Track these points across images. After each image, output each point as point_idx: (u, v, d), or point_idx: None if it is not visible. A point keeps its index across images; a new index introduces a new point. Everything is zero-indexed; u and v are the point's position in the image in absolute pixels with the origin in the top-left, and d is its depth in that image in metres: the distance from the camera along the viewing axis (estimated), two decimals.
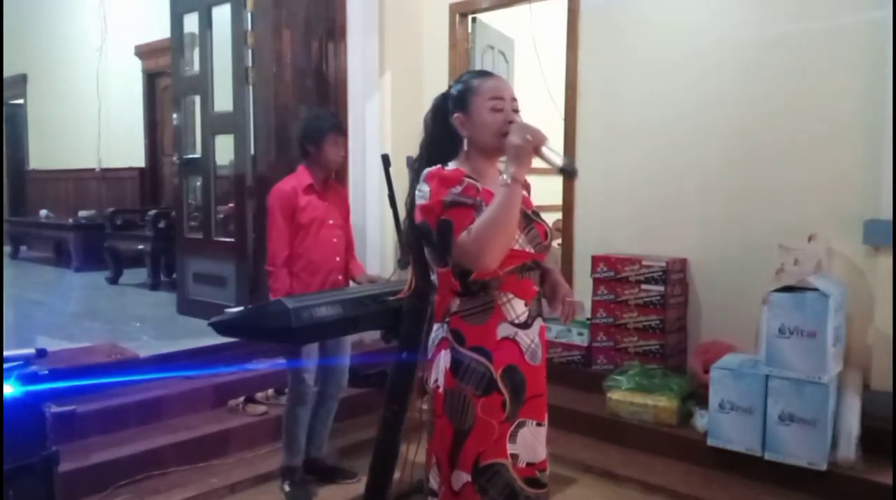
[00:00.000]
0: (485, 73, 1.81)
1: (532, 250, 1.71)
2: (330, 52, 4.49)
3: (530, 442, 1.74)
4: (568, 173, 1.64)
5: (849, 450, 2.88)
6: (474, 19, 4.93)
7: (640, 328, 3.76)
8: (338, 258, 3.01)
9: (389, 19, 4.67)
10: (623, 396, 3.49)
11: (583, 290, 4.10)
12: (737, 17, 3.65)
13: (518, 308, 1.70)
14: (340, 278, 3.00)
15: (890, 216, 3.04)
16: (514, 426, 1.71)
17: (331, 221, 2.99)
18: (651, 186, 3.96)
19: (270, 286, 2.90)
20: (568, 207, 4.34)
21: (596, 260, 3.93)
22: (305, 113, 3.20)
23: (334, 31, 4.48)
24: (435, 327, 1.76)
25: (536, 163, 1.63)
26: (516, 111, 1.73)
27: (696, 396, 3.43)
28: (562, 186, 4.33)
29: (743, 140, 3.62)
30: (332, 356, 3.02)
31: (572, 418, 3.62)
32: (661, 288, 3.67)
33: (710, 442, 3.14)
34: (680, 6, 3.84)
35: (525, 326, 1.71)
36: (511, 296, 1.69)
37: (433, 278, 1.75)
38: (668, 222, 3.91)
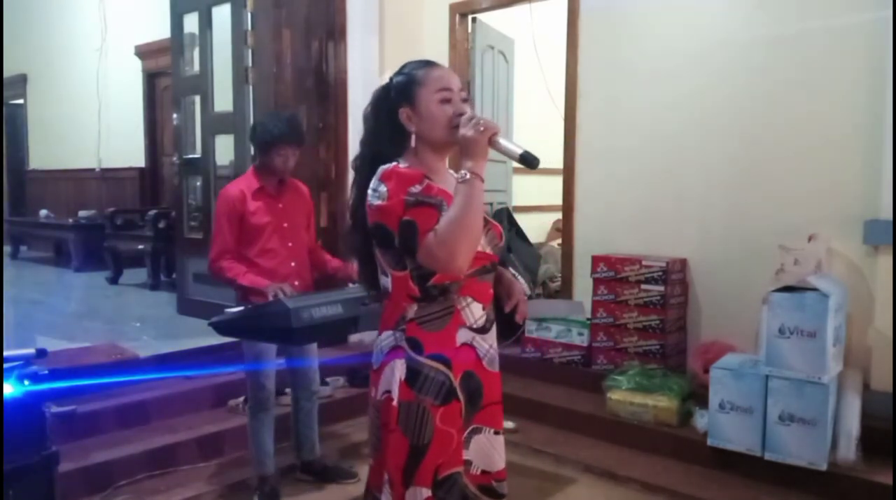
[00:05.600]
0: (428, 63, 1.69)
1: (491, 251, 1.65)
2: (330, 52, 4.49)
3: (486, 450, 1.68)
4: (529, 162, 1.52)
5: (849, 450, 2.88)
6: (474, 19, 4.94)
7: (640, 328, 3.76)
8: (293, 264, 2.85)
9: (389, 19, 4.67)
10: (623, 396, 3.49)
11: (583, 290, 4.10)
12: (738, 18, 3.65)
13: (476, 312, 1.63)
14: (297, 283, 2.80)
15: (890, 216, 3.04)
16: (468, 431, 1.65)
17: (285, 225, 2.84)
18: (651, 186, 3.96)
19: (226, 277, 2.74)
20: (568, 207, 4.34)
21: (596, 260, 3.92)
22: (261, 116, 2.97)
23: (334, 31, 4.48)
24: (384, 335, 1.63)
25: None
26: (465, 101, 1.65)
27: (696, 396, 3.43)
28: (562, 187, 4.34)
29: (743, 139, 3.62)
30: (295, 358, 2.95)
31: (572, 418, 3.62)
32: (661, 288, 3.67)
33: (710, 442, 3.13)
34: (680, 7, 3.83)
35: (483, 330, 1.65)
36: (470, 300, 1.61)
37: (385, 281, 1.64)
38: (668, 222, 3.90)
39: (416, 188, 1.53)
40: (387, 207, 1.53)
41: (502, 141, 1.53)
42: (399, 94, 1.64)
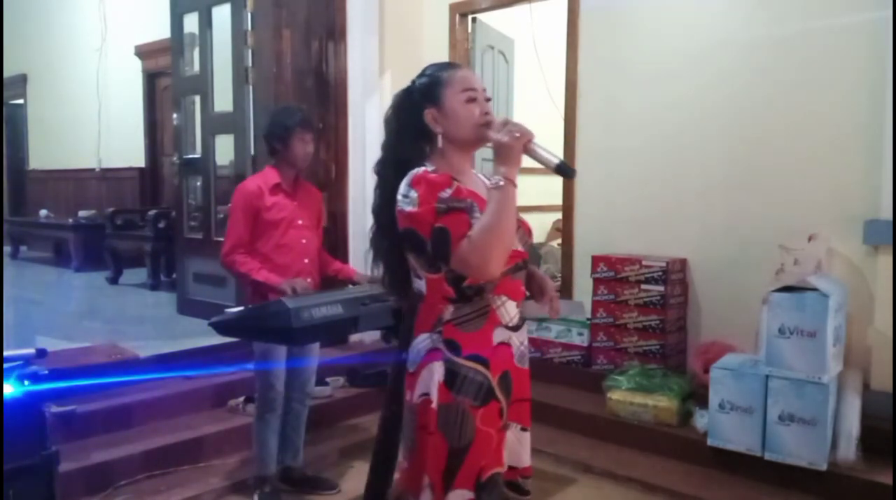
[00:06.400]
0: (451, 65, 1.73)
1: (522, 249, 1.67)
2: (330, 52, 4.49)
3: (513, 445, 1.68)
4: (565, 171, 1.53)
5: (849, 450, 2.88)
6: (474, 19, 4.93)
7: (640, 328, 3.76)
8: (306, 260, 2.89)
9: (389, 19, 4.67)
10: (623, 396, 3.49)
11: (583, 290, 4.10)
12: (738, 18, 3.65)
13: (511, 311, 1.64)
14: (309, 281, 2.82)
15: (890, 216, 3.04)
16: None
17: (300, 222, 2.88)
18: (651, 186, 3.96)
19: (239, 271, 2.75)
20: (568, 207, 4.34)
21: (596, 260, 3.93)
22: (271, 114, 3.10)
23: (334, 31, 4.48)
24: (421, 337, 1.62)
25: (530, 163, 1.59)
26: (489, 101, 1.67)
27: (696, 396, 3.43)
28: (562, 187, 4.33)
29: (743, 139, 3.62)
30: (295, 358, 2.92)
31: (572, 418, 3.62)
32: (661, 288, 3.67)
33: (710, 442, 3.13)
34: (680, 7, 3.84)
35: (516, 328, 1.66)
36: (505, 299, 1.62)
37: (418, 284, 1.64)
38: (668, 222, 3.90)
39: (447, 193, 1.53)
40: (418, 214, 1.53)
41: (538, 148, 1.53)
42: (423, 96, 1.66)
